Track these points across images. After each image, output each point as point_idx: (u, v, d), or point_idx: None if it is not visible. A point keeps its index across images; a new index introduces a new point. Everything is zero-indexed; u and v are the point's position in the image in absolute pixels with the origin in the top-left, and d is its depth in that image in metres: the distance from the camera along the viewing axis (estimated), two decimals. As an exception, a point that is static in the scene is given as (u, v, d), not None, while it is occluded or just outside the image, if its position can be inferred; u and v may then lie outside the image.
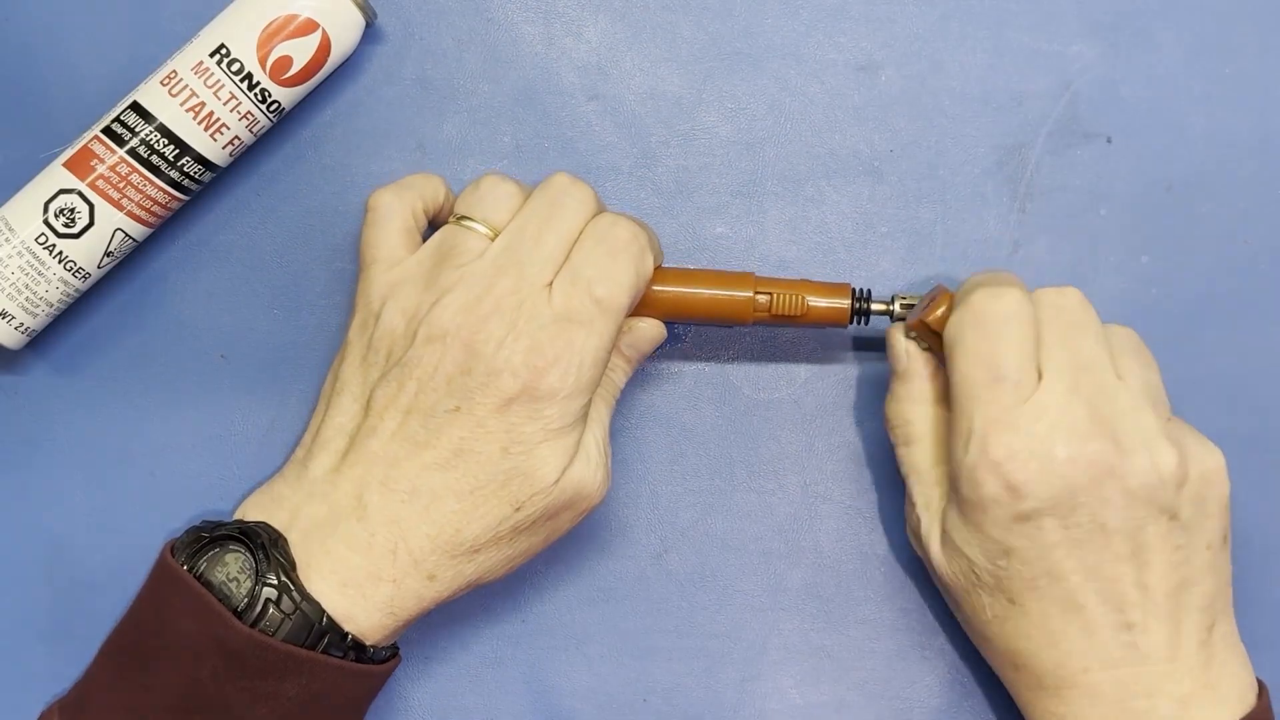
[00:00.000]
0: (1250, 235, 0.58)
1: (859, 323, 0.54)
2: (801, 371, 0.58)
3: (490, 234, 0.51)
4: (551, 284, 0.49)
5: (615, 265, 0.50)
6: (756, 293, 0.53)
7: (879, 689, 0.57)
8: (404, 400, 0.49)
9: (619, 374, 0.53)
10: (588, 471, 0.50)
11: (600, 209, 0.52)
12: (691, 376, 0.58)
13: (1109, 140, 0.58)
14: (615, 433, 0.57)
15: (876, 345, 0.58)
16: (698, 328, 0.58)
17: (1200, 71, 0.58)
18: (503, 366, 0.48)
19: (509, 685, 0.57)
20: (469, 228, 0.51)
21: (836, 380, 0.58)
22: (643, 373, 0.57)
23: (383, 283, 0.51)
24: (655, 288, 0.53)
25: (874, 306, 0.54)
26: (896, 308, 0.54)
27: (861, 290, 0.54)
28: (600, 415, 0.52)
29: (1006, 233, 0.58)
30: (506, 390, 0.48)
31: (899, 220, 0.58)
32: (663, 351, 0.57)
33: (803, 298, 0.53)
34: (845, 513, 0.58)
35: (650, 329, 0.54)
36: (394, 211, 0.52)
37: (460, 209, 0.52)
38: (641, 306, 0.53)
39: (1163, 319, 0.57)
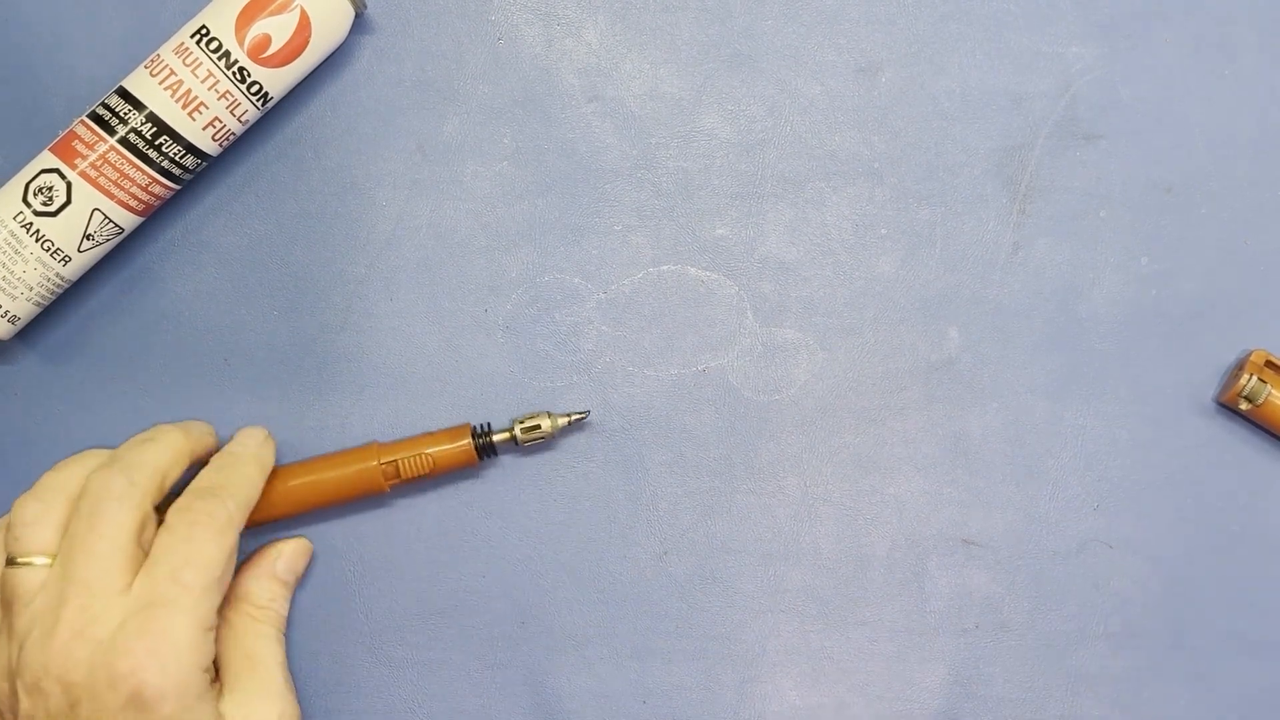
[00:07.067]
0: (1250, 235, 0.58)
1: (487, 456, 0.55)
2: (801, 373, 0.58)
3: (49, 560, 0.48)
4: (132, 584, 0.47)
5: (193, 548, 0.48)
6: (381, 463, 0.54)
7: (879, 691, 0.57)
8: None
9: (280, 603, 0.54)
10: None
11: (163, 475, 0.51)
12: (691, 378, 0.58)
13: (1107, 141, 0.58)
14: (614, 434, 0.57)
15: (876, 347, 0.58)
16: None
17: (1200, 71, 0.58)
18: (103, 687, 0.46)
19: (509, 687, 0.57)
20: (21, 566, 0.48)
21: (836, 382, 0.58)
22: (642, 375, 0.57)
23: None
24: (284, 485, 0.54)
25: (496, 438, 0.55)
26: (518, 432, 0.55)
27: (480, 426, 0.55)
28: (272, 653, 0.53)
29: (1006, 233, 0.58)
30: (114, 707, 0.46)
31: (899, 222, 0.58)
32: (662, 354, 0.57)
33: (427, 456, 0.54)
34: (845, 514, 0.57)
35: (298, 549, 0.55)
36: None
37: (7, 548, 0.49)
38: (274, 507, 0.54)
39: (1163, 319, 0.57)
